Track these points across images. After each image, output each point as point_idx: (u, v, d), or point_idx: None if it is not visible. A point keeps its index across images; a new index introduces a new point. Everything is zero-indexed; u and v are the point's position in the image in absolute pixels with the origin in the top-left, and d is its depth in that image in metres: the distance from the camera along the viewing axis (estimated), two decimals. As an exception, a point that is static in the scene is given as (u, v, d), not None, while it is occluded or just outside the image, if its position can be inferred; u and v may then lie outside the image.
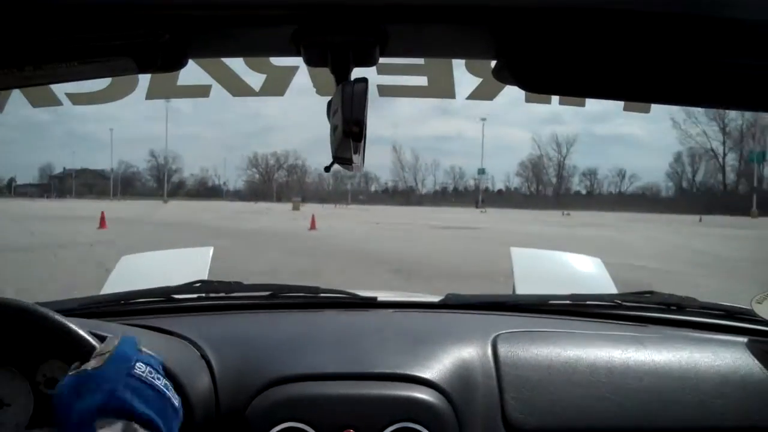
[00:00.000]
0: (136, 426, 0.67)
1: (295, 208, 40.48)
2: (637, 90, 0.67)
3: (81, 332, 0.78)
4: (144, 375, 0.70)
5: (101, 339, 0.79)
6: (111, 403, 0.66)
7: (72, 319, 0.80)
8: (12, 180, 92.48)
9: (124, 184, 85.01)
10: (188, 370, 0.92)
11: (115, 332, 0.90)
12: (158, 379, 0.72)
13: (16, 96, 1.40)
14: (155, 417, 0.68)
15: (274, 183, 79.58)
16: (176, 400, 0.73)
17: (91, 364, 0.70)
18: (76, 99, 1.50)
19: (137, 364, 0.71)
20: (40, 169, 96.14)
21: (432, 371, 0.93)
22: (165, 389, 0.72)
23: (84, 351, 0.77)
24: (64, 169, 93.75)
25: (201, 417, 0.89)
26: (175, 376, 0.88)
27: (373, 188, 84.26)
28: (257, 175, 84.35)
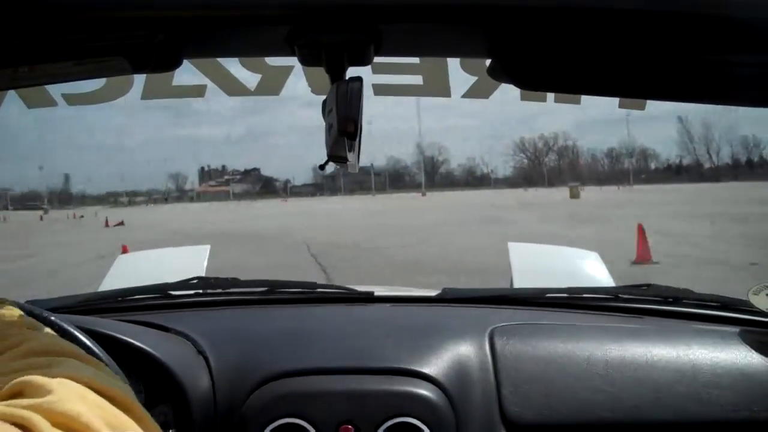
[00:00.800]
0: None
1: (573, 195, 31.96)
2: (632, 86, 0.68)
3: (71, 330, 0.78)
4: None
5: (99, 336, 0.79)
6: None
7: (64, 316, 0.80)
8: (288, 181, 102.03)
9: (393, 179, 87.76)
10: (186, 367, 0.93)
11: (113, 329, 0.90)
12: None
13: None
14: None
15: (544, 167, 77.82)
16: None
17: None
18: (72, 99, 1.49)
19: None
20: (313, 169, 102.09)
21: (429, 365, 0.94)
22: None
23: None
24: (335, 168, 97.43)
25: (199, 413, 0.89)
26: (173, 372, 0.88)
27: (652, 165, 79.47)
28: (525, 160, 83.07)
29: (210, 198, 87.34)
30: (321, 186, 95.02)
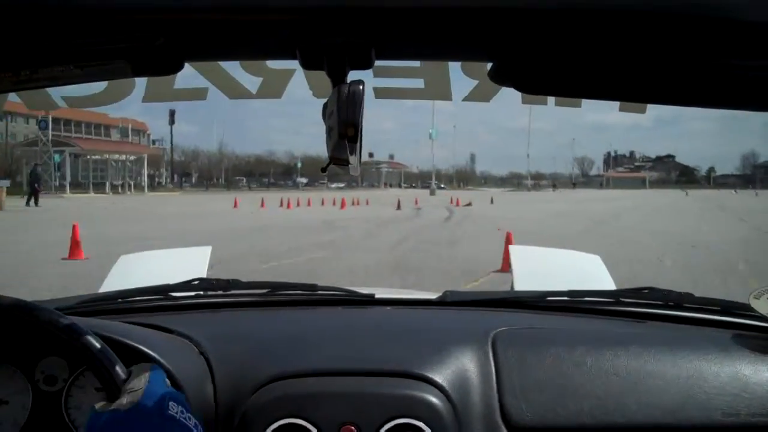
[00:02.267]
0: None
1: None
2: (633, 90, 0.68)
3: (80, 330, 0.78)
4: (177, 415, 0.69)
5: (102, 338, 0.79)
6: None
7: (70, 317, 0.80)
8: (711, 170, 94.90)
9: None
10: (187, 368, 0.92)
11: (116, 331, 0.90)
12: (189, 418, 0.71)
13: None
14: None
15: None
16: None
17: (124, 403, 0.69)
18: (73, 102, 1.50)
19: (170, 403, 0.70)
20: (742, 157, 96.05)
21: (431, 368, 0.94)
22: (195, 429, 0.71)
23: (82, 349, 0.76)
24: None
25: (200, 415, 0.89)
26: (174, 374, 0.88)
27: None
28: None
29: (621, 184, 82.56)
30: (752, 177, 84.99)
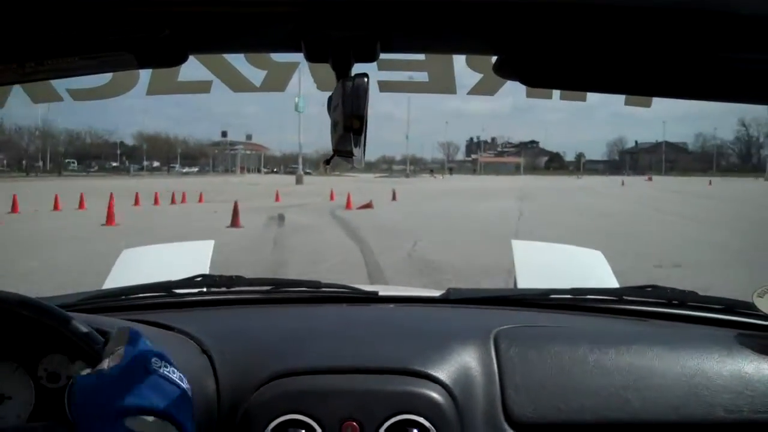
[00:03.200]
0: (159, 421, 0.67)
1: None
2: (638, 84, 0.68)
3: (82, 326, 0.78)
4: (161, 370, 0.70)
5: (103, 334, 0.79)
6: (134, 401, 0.67)
7: (73, 313, 0.80)
8: (581, 155, 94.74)
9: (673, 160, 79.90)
10: (189, 365, 0.93)
11: (116, 327, 0.91)
12: (173, 372, 0.72)
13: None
14: (175, 411, 0.69)
15: None
16: (189, 390, 0.74)
17: (106, 366, 0.69)
18: (77, 95, 1.50)
19: (153, 359, 0.71)
20: (608, 144, 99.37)
21: (433, 365, 0.94)
22: (181, 381, 0.72)
23: (86, 346, 0.77)
24: (636, 143, 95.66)
25: (202, 411, 0.89)
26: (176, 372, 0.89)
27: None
28: None
29: (495, 170, 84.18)
30: (620, 163, 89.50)
